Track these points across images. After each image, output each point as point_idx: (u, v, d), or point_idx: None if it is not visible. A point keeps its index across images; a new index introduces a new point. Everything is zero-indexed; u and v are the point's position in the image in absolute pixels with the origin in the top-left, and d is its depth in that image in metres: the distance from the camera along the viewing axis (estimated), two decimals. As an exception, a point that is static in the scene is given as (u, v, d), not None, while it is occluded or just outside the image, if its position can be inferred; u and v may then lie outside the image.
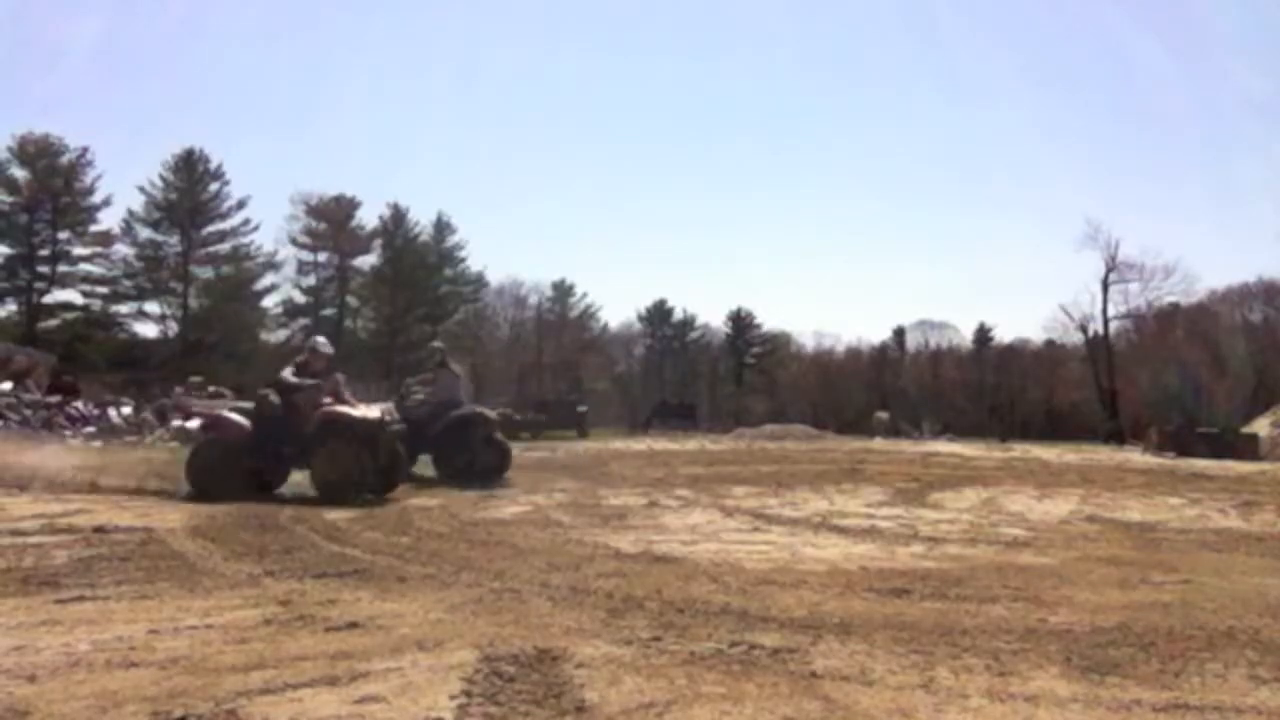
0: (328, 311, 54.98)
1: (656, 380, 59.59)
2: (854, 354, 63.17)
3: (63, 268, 48.57)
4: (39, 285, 47.80)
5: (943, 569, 6.59)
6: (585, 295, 62.43)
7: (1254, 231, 71.79)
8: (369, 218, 55.35)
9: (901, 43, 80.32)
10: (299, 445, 10.34)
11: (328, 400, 10.60)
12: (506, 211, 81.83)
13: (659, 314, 63.99)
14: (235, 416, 10.60)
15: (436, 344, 15.42)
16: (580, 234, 76.29)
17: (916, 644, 4.41)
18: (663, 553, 6.97)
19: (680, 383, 59.64)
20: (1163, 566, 7.02)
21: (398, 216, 55.72)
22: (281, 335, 54.64)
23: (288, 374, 10.78)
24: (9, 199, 46.83)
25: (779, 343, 63.65)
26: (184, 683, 3.63)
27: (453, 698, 3.50)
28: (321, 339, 11.70)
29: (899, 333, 62.80)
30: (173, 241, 50.11)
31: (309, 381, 10.74)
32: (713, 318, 64.72)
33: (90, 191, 48.37)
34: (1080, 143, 75.21)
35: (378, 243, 55.73)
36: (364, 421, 10.60)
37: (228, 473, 10.12)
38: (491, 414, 14.10)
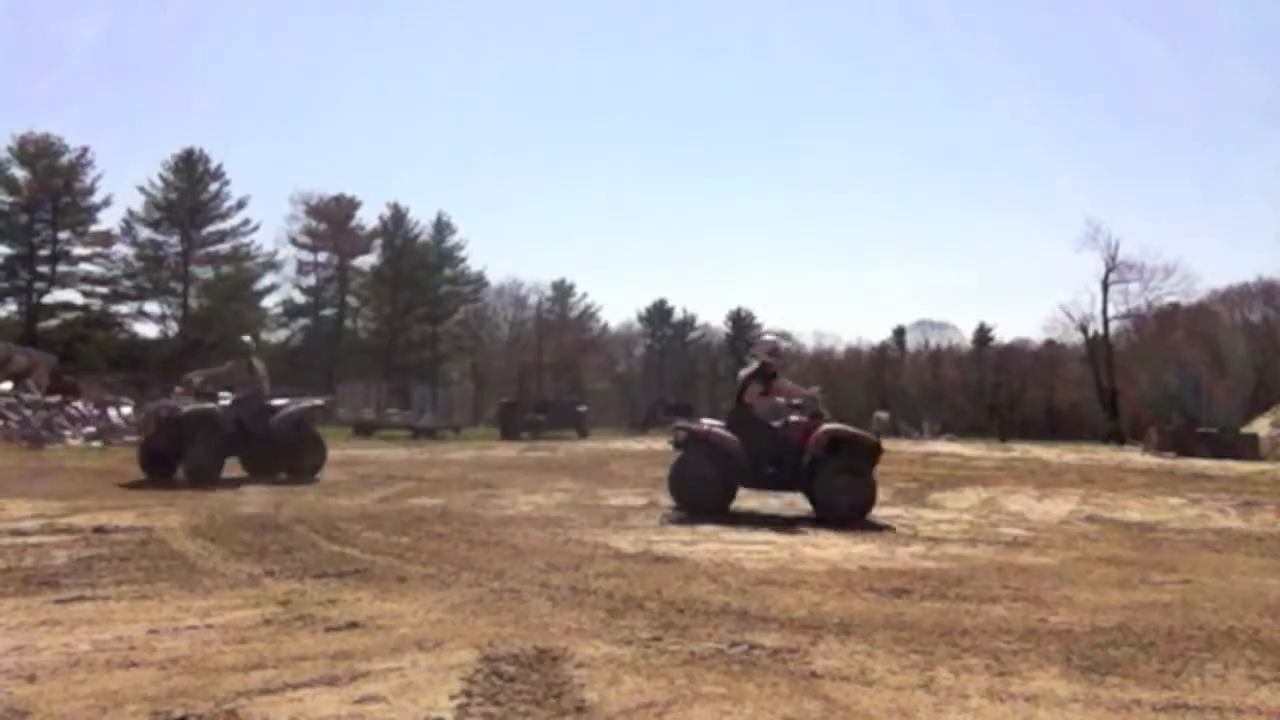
0: (328, 311, 55.02)
1: (656, 380, 59.60)
2: (854, 354, 63.21)
3: (63, 268, 48.66)
4: (39, 285, 47.87)
5: (943, 569, 6.59)
6: (585, 295, 62.48)
7: (1254, 231, 71.94)
8: (369, 218, 55.47)
9: (901, 43, 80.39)
10: (790, 464, 9.46)
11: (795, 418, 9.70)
12: (506, 211, 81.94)
13: (659, 314, 64.03)
14: (724, 432, 9.63)
15: (245, 339, 14.93)
16: (580, 234, 76.41)
17: (916, 644, 4.41)
18: (663, 553, 6.97)
19: (680, 383, 59.66)
20: (1163, 566, 7.03)
21: (398, 216, 55.77)
22: (281, 335, 54.74)
23: (756, 389, 9.72)
24: (9, 199, 46.89)
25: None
26: (184, 683, 3.63)
27: (453, 698, 3.50)
28: (770, 336, 10.57)
29: (899, 333, 62.84)
30: (173, 241, 50.21)
31: (798, 391, 9.90)
32: (713, 318, 64.82)
33: (90, 191, 48.48)
34: (1080, 143, 75.37)
35: (378, 243, 55.80)
36: (868, 441, 9.82)
37: (719, 490, 9.49)
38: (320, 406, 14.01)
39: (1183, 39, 71.37)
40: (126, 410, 23.15)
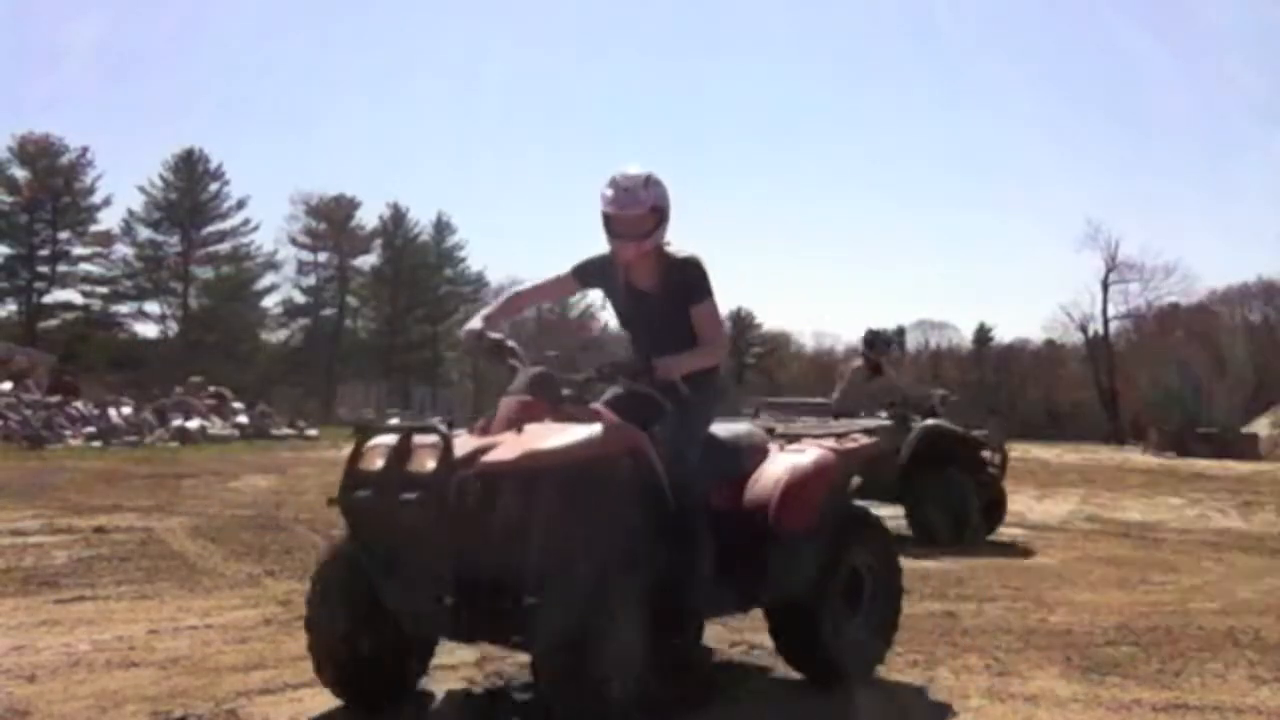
0: (328, 311, 55.00)
1: (656, 380, 59.63)
2: (854, 354, 63.18)
3: (63, 268, 48.60)
4: (39, 285, 47.83)
5: (943, 569, 6.59)
6: (585, 295, 62.40)
7: (1254, 231, 71.71)
8: (369, 218, 55.37)
9: (901, 43, 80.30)
10: None
11: None
12: (506, 211, 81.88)
13: (659, 314, 64.05)
14: None
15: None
16: (580, 234, 76.23)
17: (916, 644, 4.41)
18: (663, 553, 6.96)
19: (680, 383, 59.68)
20: (1163, 566, 7.03)
21: (398, 216, 55.72)
22: (281, 335, 54.75)
23: None
24: (9, 199, 46.85)
25: (779, 343, 63.67)
26: (184, 683, 3.63)
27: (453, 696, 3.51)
28: None
29: (899, 332, 62.79)
30: (173, 241, 50.14)
31: None
32: (712, 317, 64.76)
33: (90, 191, 48.39)
34: (1080, 143, 75.18)
35: (378, 243, 55.74)
36: None
37: None
38: None
39: (1183, 39, 71.32)
40: (126, 410, 23.14)
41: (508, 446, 3.03)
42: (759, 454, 3.77)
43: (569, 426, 3.19)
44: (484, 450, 3.01)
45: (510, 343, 3.51)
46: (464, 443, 3.04)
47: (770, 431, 4.01)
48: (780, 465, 3.69)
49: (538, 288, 3.88)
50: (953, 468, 7.90)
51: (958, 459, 8.04)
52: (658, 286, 3.55)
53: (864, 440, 4.21)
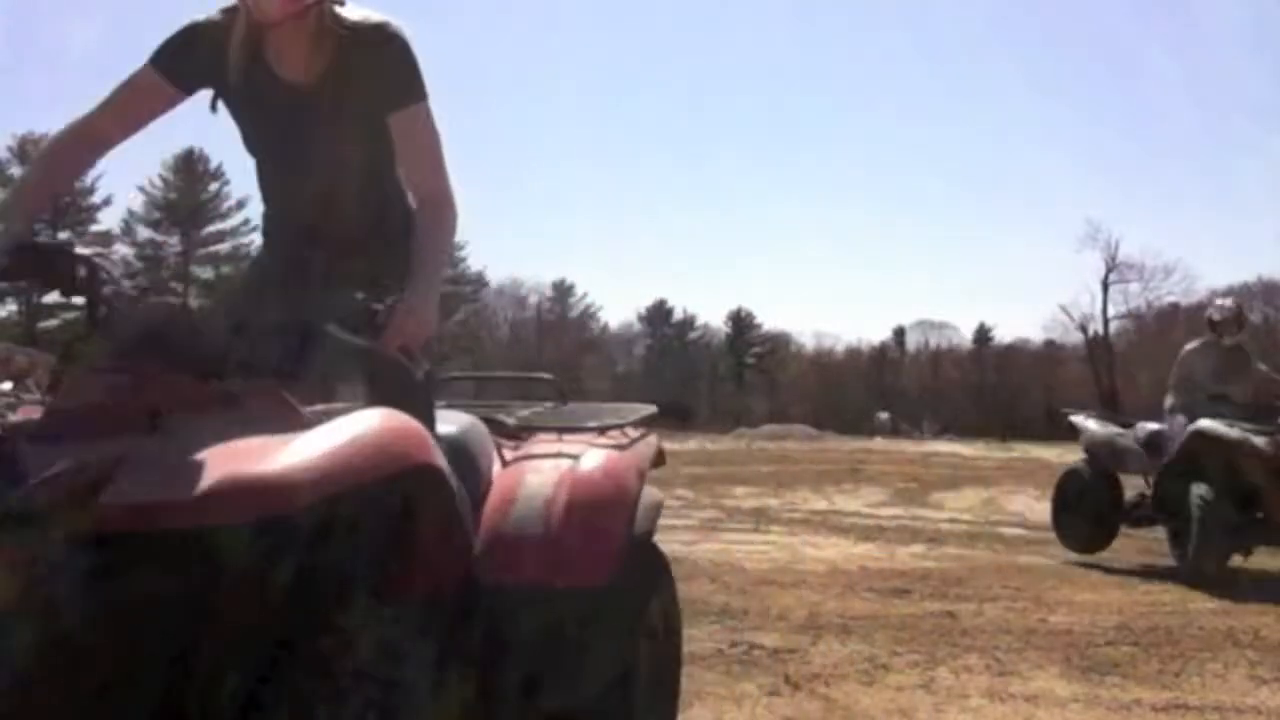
0: (328, 311, 55.05)
1: (656, 380, 59.64)
2: (854, 354, 63.20)
3: (63, 268, 48.70)
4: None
5: (943, 569, 6.59)
6: (585, 295, 62.55)
7: (1254, 231, 71.66)
8: (369, 218, 55.48)
9: (901, 43, 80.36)
10: None
11: None
12: (506, 211, 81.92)
13: (659, 314, 64.02)
14: None
15: None
16: (580, 234, 76.35)
17: (916, 644, 4.41)
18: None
19: (680, 383, 59.69)
20: (1163, 567, 7.02)
21: (397, 216, 55.82)
22: (281, 335, 54.84)
23: None
24: (9, 199, 46.96)
25: (779, 343, 63.70)
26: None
27: (452, 698, 3.48)
28: None
29: (899, 333, 62.82)
30: (173, 241, 50.24)
31: None
32: (713, 318, 64.76)
33: (90, 191, 48.42)
34: (1080, 143, 75.19)
35: (377, 243, 55.82)
36: None
37: None
38: None
39: (1183, 39, 71.38)
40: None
41: (174, 466, 1.32)
42: (489, 461, 2.31)
43: (281, 419, 1.52)
44: (100, 473, 1.23)
45: (88, 253, 1.85)
46: (32, 455, 1.27)
47: (495, 425, 2.51)
48: (546, 479, 2.19)
49: (93, 117, 2.16)
50: (1204, 482, 6.39)
51: (1227, 472, 6.45)
52: (323, 75, 1.95)
53: (635, 435, 2.68)
